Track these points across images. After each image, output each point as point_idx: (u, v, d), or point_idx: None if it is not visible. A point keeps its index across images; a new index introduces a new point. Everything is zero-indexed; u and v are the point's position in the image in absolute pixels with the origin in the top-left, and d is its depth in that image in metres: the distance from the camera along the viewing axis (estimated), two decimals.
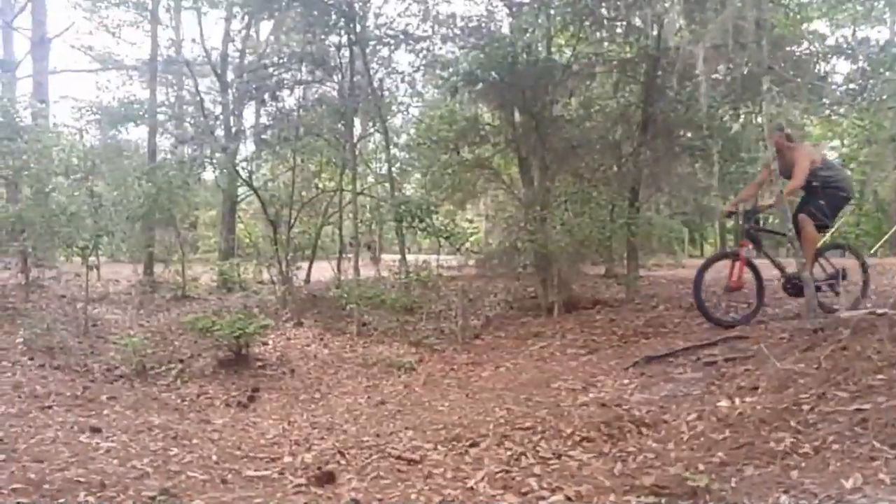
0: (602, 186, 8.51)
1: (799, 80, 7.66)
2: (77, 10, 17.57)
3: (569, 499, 3.04)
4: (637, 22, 8.22)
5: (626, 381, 4.84)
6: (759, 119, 9.06)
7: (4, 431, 4.17)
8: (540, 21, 8.10)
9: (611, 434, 3.81)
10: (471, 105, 9.43)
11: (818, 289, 5.81)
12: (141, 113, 11.69)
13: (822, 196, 5.65)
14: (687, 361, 5.00)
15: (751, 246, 5.80)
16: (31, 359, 6.37)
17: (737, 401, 3.88)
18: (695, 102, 7.70)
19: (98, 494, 3.25)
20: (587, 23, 8.28)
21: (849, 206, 6.69)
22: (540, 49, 8.29)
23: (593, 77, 8.89)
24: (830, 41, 9.02)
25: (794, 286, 5.82)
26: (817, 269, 5.91)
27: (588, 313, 7.23)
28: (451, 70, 8.45)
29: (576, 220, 7.00)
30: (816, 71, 8.32)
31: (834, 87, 8.56)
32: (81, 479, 3.41)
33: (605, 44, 9.06)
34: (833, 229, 6.15)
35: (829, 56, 8.36)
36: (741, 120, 9.22)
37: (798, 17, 9.47)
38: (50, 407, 4.97)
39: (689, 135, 8.60)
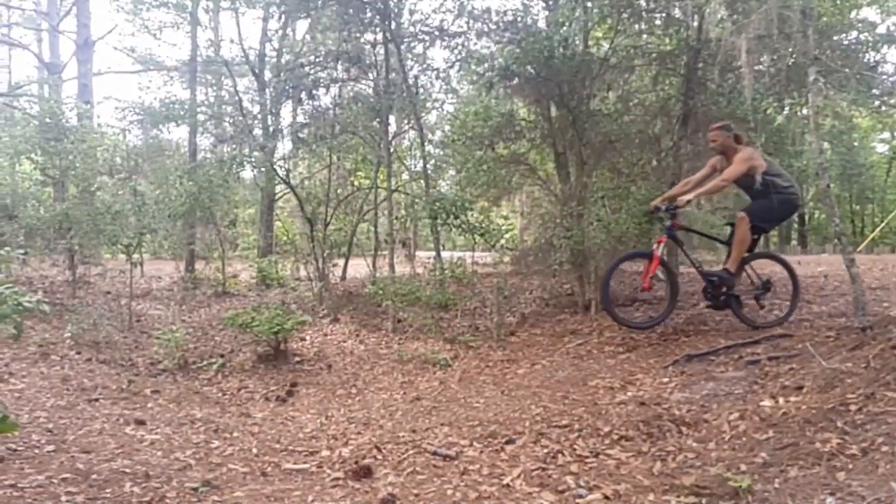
0: (641, 181, 8.36)
1: (847, 70, 7.41)
2: (119, 13, 18.03)
3: (607, 497, 3.00)
4: (677, 13, 8.06)
5: (665, 380, 4.75)
6: (805, 111, 8.83)
7: (54, 423, 4.32)
8: (577, 14, 8.00)
9: (650, 433, 3.75)
10: (506, 100, 9.36)
11: (741, 301, 5.66)
12: (182, 113, 11.93)
13: (771, 201, 5.40)
14: (729, 360, 4.89)
15: (663, 243, 5.45)
16: (79, 353, 6.58)
17: (781, 400, 3.79)
18: (737, 95, 7.53)
19: (143, 485, 3.33)
20: (625, 15, 8.14)
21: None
22: (577, 43, 8.18)
23: (632, 70, 8.74)
24: (881, 29, 8.66)
25: (714, 296, 5.57)
26: (744, 278, 5.71)
27: (626, 311, 7.12)
28: (486, 65, 8.41)
29: (613, 215, 6.87)
30: (865, 60, 8.03)
31: (884, 77, 8.26)
32: (127, 470, 3.50)
33: (644, 36, 8.90)
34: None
35: (879, 45, 8.04)
36: (786, 112, 8.97)
37: (846, 4, 9.15)
38: (97, 399, 5.13)
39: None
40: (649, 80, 9.01)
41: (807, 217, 26.40)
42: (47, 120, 10.38)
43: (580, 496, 3.06)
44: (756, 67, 7.69)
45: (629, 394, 4.58)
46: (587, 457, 3.55)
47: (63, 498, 3.07)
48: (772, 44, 7.29)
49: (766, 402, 3.81)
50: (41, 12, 19.03)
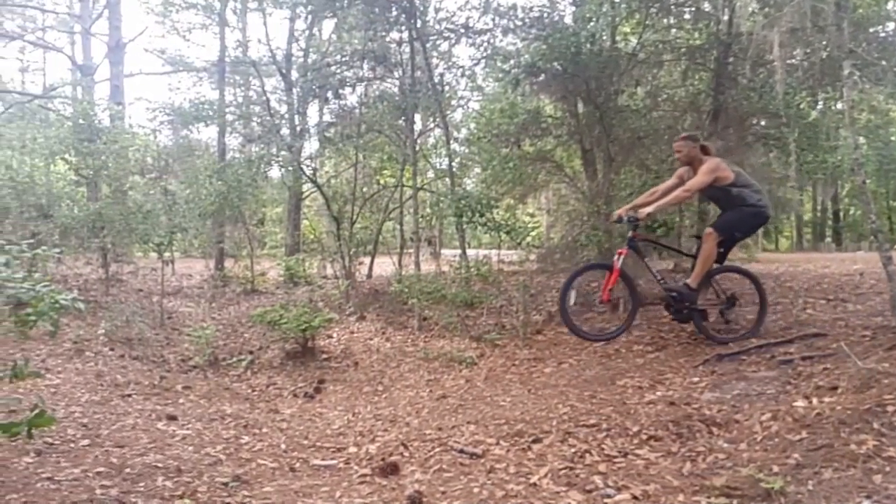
0: (670, 178, 8.24)
1: (883, 63, 7.21)
2: (150, 15, 18.38)
3: (635, 498, 2.97)
4: (707, 7, 7.94)
5: (695, 380, 4.68)
6: (840, 106, 8.62)
7: (89, 418, 4.42)
8: (604, 9, 7.90)
9: (679, 433, 3.70)
10: (532, 97, 9.30)
11: (705, 315, 5.48)
12: (211, 113, 12.11)
13: (739, 214, 5.24)
14: (761, 360, 4.80)
15: (624, 255, 5.21)
16: (112, 349, 6.72)
17: (814, 401, 3.70)
18: (769, 89, 7.37)
19: (175, 479, 3.39)
20: (653, 10, 8.04)
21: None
22: (604, 38, 8.10)
23: (661, 65, 8.63)
24: None
25: (677, 310, 5.39)
26: (708, 293, 5.51)
27: (655, 309, 7.00)
28: (512, 62, 8.37)
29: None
30: None
31: None
32: (159, 465, 3.57)
33: (673, 31, 8.79)
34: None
35: None
36: (820, 107, 8.77)
37: None
38: (130, 395, 5.24)
39: (762, 123, 8.24)
40: (678, 76, 8.88)
41: (842, 214, 25.81)
42: (80, 121, 10.63)
43: (608, 496, 3.03)
44: (789, 61, 7.54)
45: (658, 393, 4.52)
46: (615, 456, 3.52)
47: (98, 491, 3.14)
48: (805, 37, 7.14)
49: (800, 403, 3.73)
50: (74, 15, 19.47)
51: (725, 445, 3.44)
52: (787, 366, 4.50)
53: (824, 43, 7.20)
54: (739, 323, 5.65)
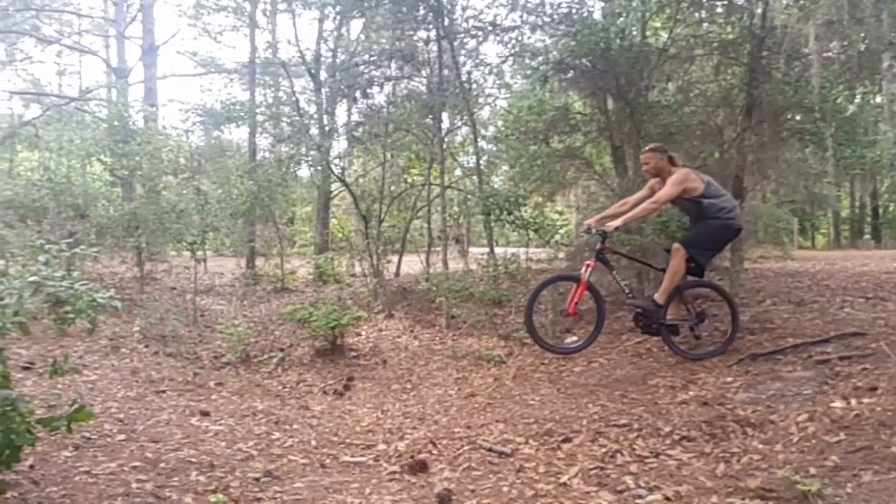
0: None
1: None
2: (182, 18, 18.73)
3: (667, 499, 2.94)
4: (739, 0, 7.77)
5: (729, 379, 4.59)
6: (879, 99, 8.38)
7: (125, 413, 4.51)
8: (634, 4, 7.83)
9: (713, 433, 3.65)
10: (561, 94, 9.23)
11: (676, 330, 5.30)
12: (241, 114, 12.27)
13: (707, 227, 5.08)
14: (797, 359, 4.71)
15: (592, 267, 5.10)
16: (147, 346, 6.87)
17: (853, 402, 3.63)
18: (805, 83, 7.20)
19: (208, 474, 3.45)
20: (685, 4, 7.91)
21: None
22: (634, 33, 8.00)
23: (692, 60, 8.48)
24: None
25: (646, 324, 5.24)
26: (680, 308, 5.33)
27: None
28: (540, 59, 8.31)
29: (673, 209, 6.68)
30: None
31: None
32: (193, 460, 3.63)
33: (705, 25, 8.63)
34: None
35: None
36: (858, 101, 8.53)
37: None
38: (164, 391, 5.34)
39: (798, 118, 8.05)
40: (711, 70, 8.72)
41: (881, 210, 25.11)
42: (115, 123, 10.88)
43: (640, 496, 3.00)
44: (825, 54, 7.35)
45: (691, 393, 4.46)
46: (647, 457, 3.48)
47: (134, 485, 3.21)
48: (842, 29, 6.96)
49: (838, 404, 3.65)
50: (109, 19, 19.93)
51: (760, 446, 3.38)
52: (825, 366, 4.41)
53: (862, 35, 7.00)
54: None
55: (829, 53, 7.48)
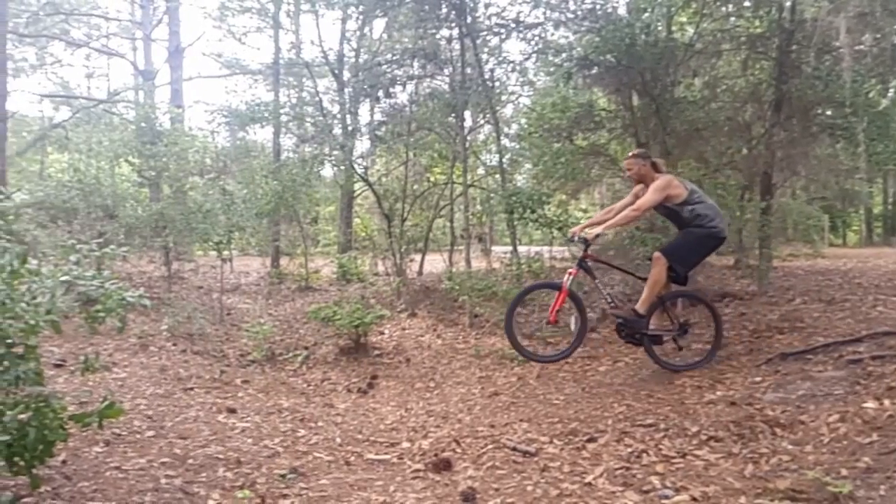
0: (730, 171, 7.98)
1: None
2: (207, 20, 18.97)
3: (694, 499, 2.91)
4: None
5: (757, 379, 4.52)
6: None
7: (154, 410, 4.59)
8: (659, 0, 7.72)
9: (741, 434, 3.60)
10: (585, 91, 9.16)
11: (659, 340, 5.15)
12: (266, 114, 12.38)
13: (690, 236, 4.96)
14: (828, 359, 4.61)
15: (574, 275, 4.99)
16: (175, 344, 6.97)
17: (886, 402, 3.55)
18: (836, 78, 7.05)
19: (235, 470, 3.49)
20: None
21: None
22: (660, 29, 7.90)
23: (719, 55, 8.36)
24: None
25: (629, 334, 5.10)
26: (663, 318, 5.19)
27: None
28: (564, 55, 8.25)
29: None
30: None
31: None
32: (220, 456, 3.68)
33: (732, 19, 8.50)
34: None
35: None
36: (890, 94, 8.33)
37: None
38: (191, 388, 5.42)
39: (828, 113, 7.88)
40: (738, 65, 8.58)
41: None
42: (143, 124, 11.06)
43: (666, 497, 2.97)
44: (856, 47, 7.21)
45: (719, 393, 4.39)
46: (673, 457, 3.44)
47: (163, 480, 3.26)
48: (874, 21, 6.81)
49: (870, 404, 3.57)
50: (136, 22, 20.28)
51: (790, 447, 3.32)
52: (856, 365, 4.31)
53: (895, 27, 6.86)
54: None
55: (861, 46, 7.33)
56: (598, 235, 4.97)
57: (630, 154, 5.25)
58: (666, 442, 3.65)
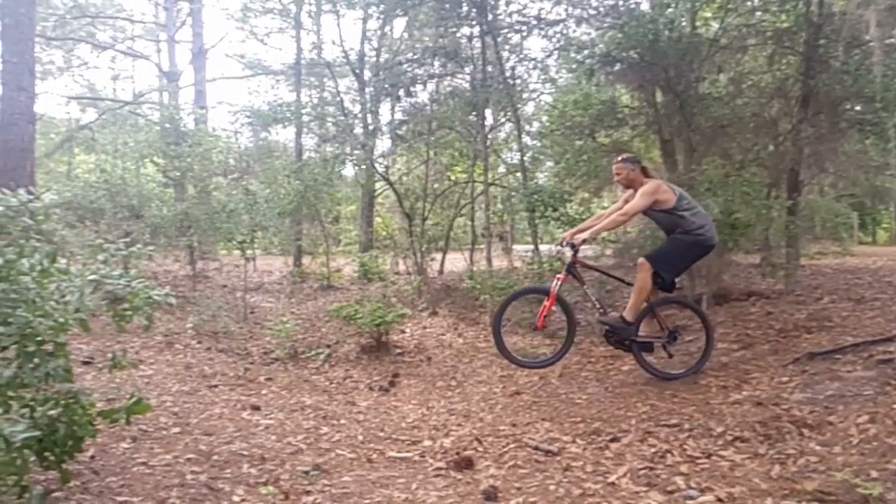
0: (756, 168, 7.85)
1: None
2: (230, 21, 19.17)
3: (720, 500, 2.88)
4: None
5: (784, 379, 4.45)
6: None
7: (179, 407, 4.66)
8: None
9: (767, 434, 3.55)
10: (607, 87, 9.08)
11: (649, 347, 5.04)
12: (288, 115, 12.49)
13: (676, 243, 4.87)
14: (857, 359, 4.52)
15: (563, 280, 4.93)
16: (200, 342, 7.06)
17: None
18: (865, 72, 6.90)
19: (259, 467, 3.53)
20: None
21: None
22: (684, 24, 7.80)
23: (744, 50, 8.23)
24: None
25: (617, 340, 5.03)
26: (653, 324, 5.07)
27: (741, 306, 6.72)
28: (586, 52, 8.18)
29: (727, 205, 6.47)
30: None
31: None
32: (244, 452, 3.72)
33: (758, 13, 8.36)
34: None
35: None
36: None
37: None
38: (216, 386, 5.48)
39: (858, 108, 7.71)
40: (764, 61, 8.44)
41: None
42: (167, 125, 11.20)
43: (691, 497, 2.94)
44: (887, 41, 7.04)
45: (744, 393, 4.34)
46: (698, 457, 3.40)
47: (188, 476, 3.30)
48: None
49: None
50: (160, 24, 20.59)
51: (818, 448, 3.27)
52: (887, 365, 4.23)
53: None
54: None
55: (892, 40, 7.16)
56: (584, 240, 4.94)
57: (618, 158, 5.18)
58: (690, 442, 3.61)
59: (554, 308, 5.06)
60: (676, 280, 5.09)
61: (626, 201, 5.06)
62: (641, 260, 4.92)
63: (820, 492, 2.74)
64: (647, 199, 4.82)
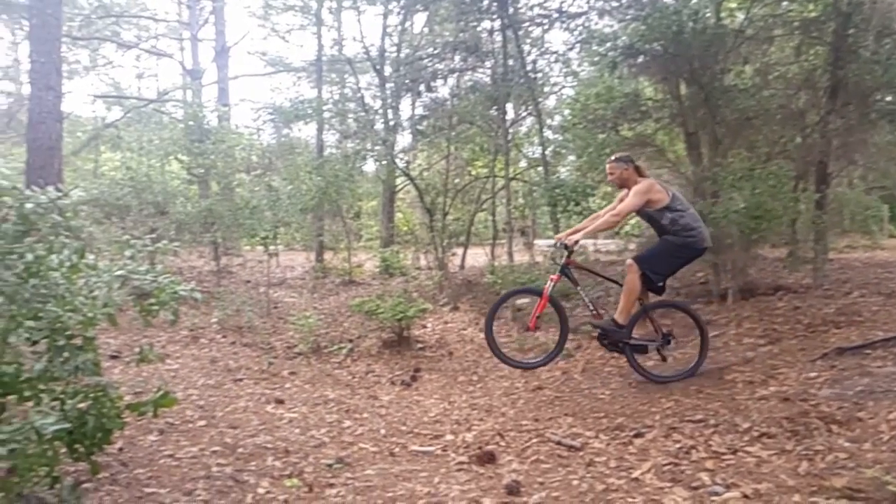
0: (783, 161, 7.71)
1: None
2: (252, 19, 19.31)
3: (746, 496, 2.83)
4: None
5: (812, 375, 4.36)
6: None
7: (205, 400, 4.73)
8: None
9: (795, 430, 3.49)
10: (630, 80, 8.97)
11: (643, 349, 4.91)
12: (309, 111, 12.56)
13: (665, 245, 4.77)
14: (887, 354, 4.43)
15: (556, 281, 4.87)
16: (224, 336, 7.16)
17: None
18: None
19: (283, 459, 3.57)
20: None
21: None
22: (708, 15, 7.67)
23: (771, 41, 8.07)
24: None
25: (610, 343, 4.93)
26: (647, 327, 4.95)
27: (768, 300, 6.61)
28: (608, 45, 8.08)
29: (753, 198, 6.37)
30: None
31: None
32: (269, 445, 3.76)
33: (784, 3, 8.19)
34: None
35: None
36: None
37: None
38: (241, 379, 5.55)
39: (888, 98, 7.52)
40: (791, 51, 8.28)
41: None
42: (191, 123, 11.34)
43: (716, 493, 2.90)
44: None
45: (771, 389, 4.26)
46: (724, 453, 3.36)
47: (214, 468, 3.35)
48: None
49: None
50: (183, 23, 20.80)
51: (847, 445, 3.20)
52: None
53: None
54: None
55: None
56: (577, 241, 4.91)
57: (612, 158, 5.11)
58: (716, 438, 3.57)
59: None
60: (662, 287, 5.00)
61: (622, 201, 5.01)
62: (630, 261, 4.88)
63: (849, 489, 2.69)
64: (639, 199, 4.77)
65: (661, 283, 4.90)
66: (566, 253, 4.97)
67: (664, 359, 5.12)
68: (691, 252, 4.86)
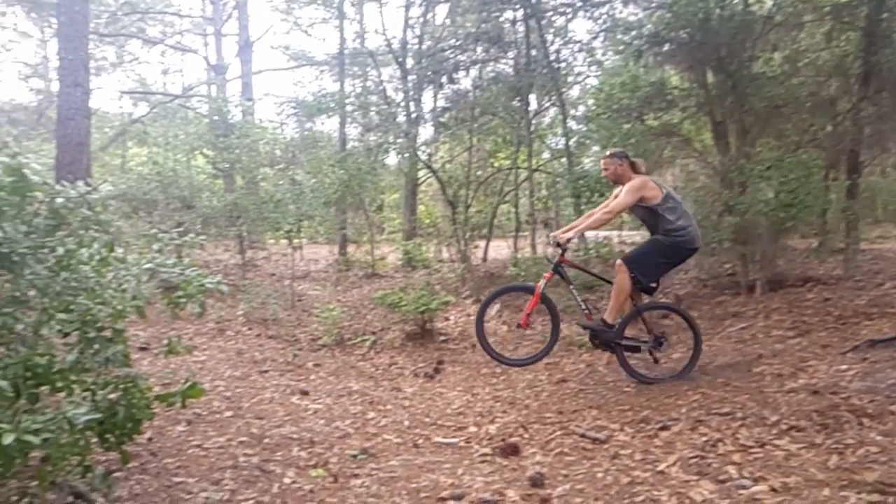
0: (813, 149, 7.55)
1: None
2: (275, 13, 19.41)
3: (774, 490, 2.78)
4: None
5: (843, 367, 4.28)
6: None
7: (232, 391, 4.79)
8: None
9: (825, 424, 3.42)
10: (656, 69, 8.84)
11: (636, 350, 4.80)
12: (332, 105, 12.59)
13: (656, 245, 4.66)
14: None
15: (549, 279, 4.78)
16: (250, 329, 7.25)
17: None
18: None
19: (308, 450, 3.61)
20: None
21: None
22: (736, 1, 7.52)
23: (801, 27, 7.90)
24: None
25: (603, 342, 4.82)
26: (639, 328, 4.84)
27: (797, 292, 6.49)
28: (633, 33, 7.97)
29: (782, 188, 6.25)
30: None
31: None
32: (294, 436, 3.81)
33: None
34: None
35: None
36: None
37: None
38: (266, 371, 5.62)
39: None
40: (821, 37, 8.09)
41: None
42: (216, 118, 11.45)
43: (743, 487, 2.86)
44: None
45: (800, 381, 4.19)
46: (751, 447, 3.31)
47: (241, 458, 3.40)
48: None
49: None
50: (207, 18, 20.97)
51: (878, 438, 3.13)
52: None
53: None
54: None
55: None
56: (570, 240, 4.88)
57: (606, 154, 5.04)
58: (743, 431, 3.51)
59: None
60: (653, 287, 4.91)
61: (616, 197, 4.95)
62: (618, 262, 4.81)
63: (881, 483, 2.64)
64: (632, 196, 4.71)
65: (652, 284, 4.82)
66: (560, 251, 4.92)
67: (656, 360, 5.04)
68: (682, 253, 4.80)
